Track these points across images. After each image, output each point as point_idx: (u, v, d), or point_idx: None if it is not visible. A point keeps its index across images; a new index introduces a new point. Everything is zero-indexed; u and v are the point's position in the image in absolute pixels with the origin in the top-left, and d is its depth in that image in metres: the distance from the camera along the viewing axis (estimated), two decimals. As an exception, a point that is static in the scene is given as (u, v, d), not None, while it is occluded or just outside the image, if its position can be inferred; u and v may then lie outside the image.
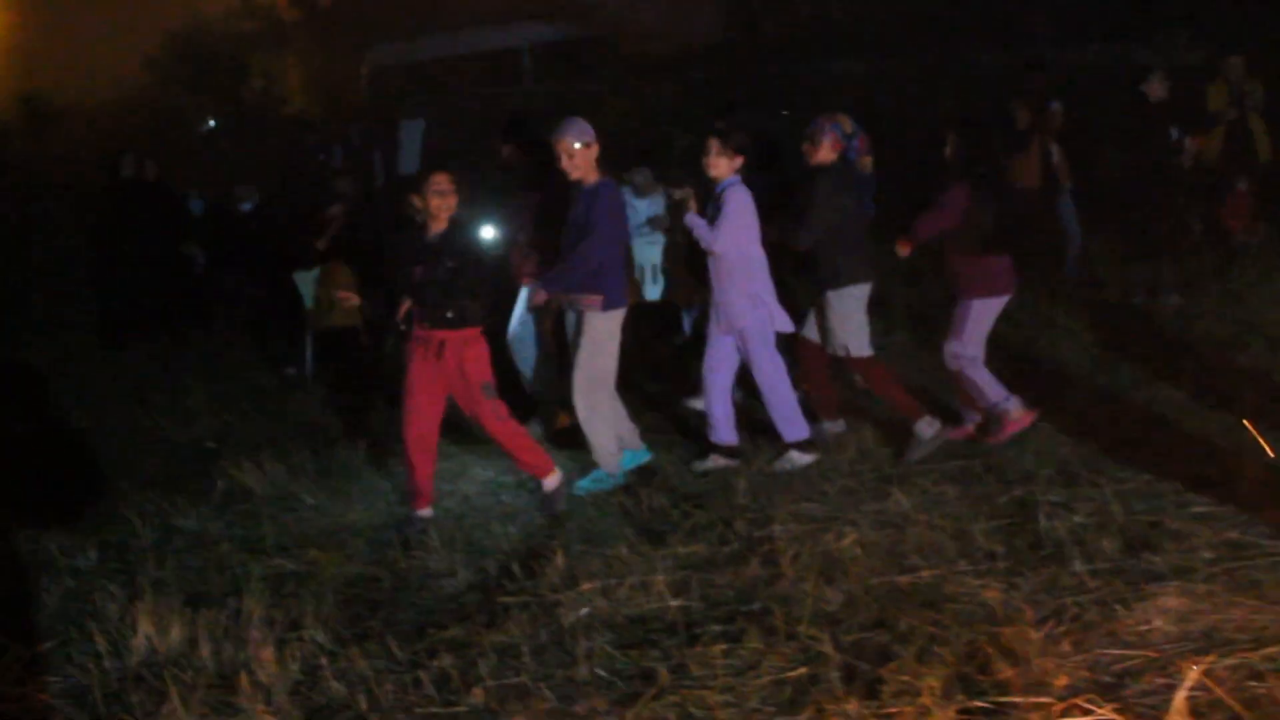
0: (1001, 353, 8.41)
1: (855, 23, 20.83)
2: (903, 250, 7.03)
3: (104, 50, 28.62)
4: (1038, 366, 8.25)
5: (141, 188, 12.60)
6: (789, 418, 6.76)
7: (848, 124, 7.19)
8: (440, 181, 6.23)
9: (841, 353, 6.98)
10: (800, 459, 6.68)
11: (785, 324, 6.83)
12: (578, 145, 6.48)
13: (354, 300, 7.51)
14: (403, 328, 6.37)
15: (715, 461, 6.79)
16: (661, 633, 4.71)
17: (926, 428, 6.76)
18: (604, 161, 6.63)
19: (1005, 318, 9.17)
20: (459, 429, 7.06)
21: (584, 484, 6.62)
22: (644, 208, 9.42)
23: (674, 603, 4.95)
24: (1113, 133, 10.47)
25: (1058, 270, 10.59)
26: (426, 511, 6.22)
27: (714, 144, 6.71)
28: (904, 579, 5.03)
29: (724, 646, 4.49)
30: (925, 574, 5.05)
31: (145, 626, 4.87)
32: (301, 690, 4.44)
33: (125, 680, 4.60)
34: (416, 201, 6.24)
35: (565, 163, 6.51)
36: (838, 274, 6.91)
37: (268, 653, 4.60)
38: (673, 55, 22.24)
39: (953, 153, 6.93)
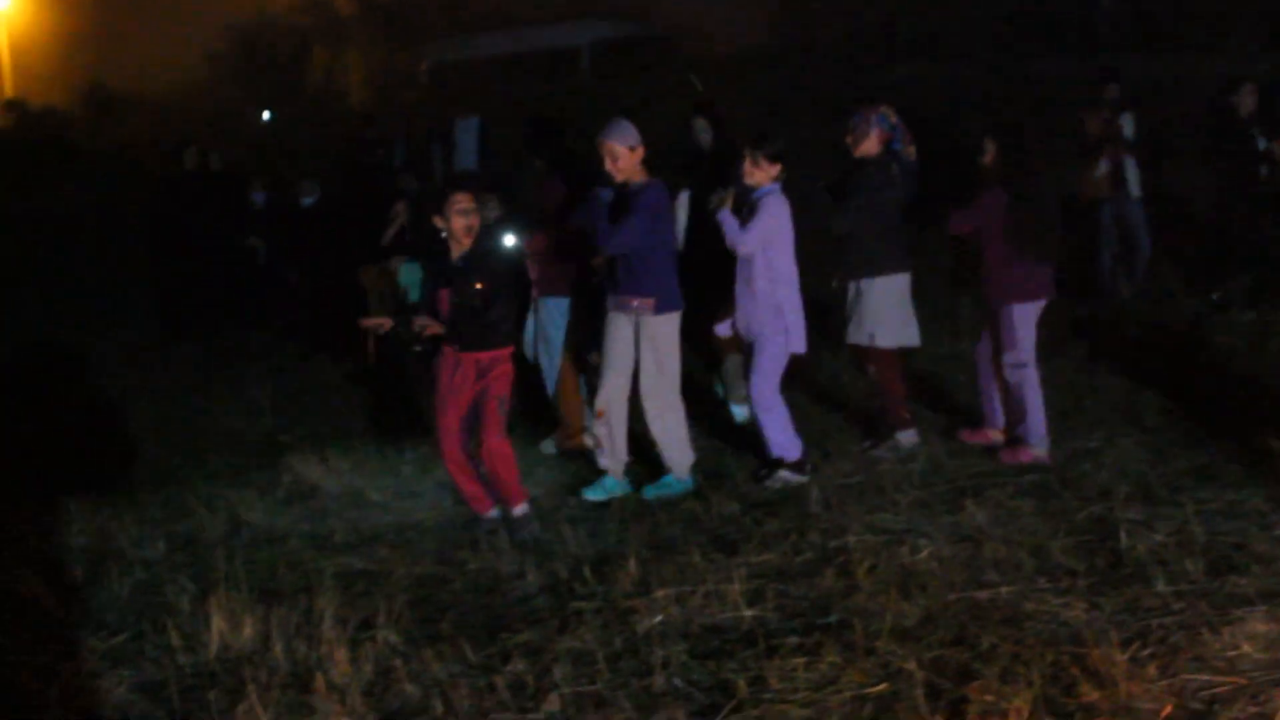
0: (1069, 367, 8.35)
1: (917, 27, 20.72)
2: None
3: (166, 43, 28.87)
4: (1109, 381, 8.12)
5: (205, 180, 12.71)
6: (785, 435, 6.68)
7: (892, 114, 7.13)
8: (461, 201, 6.14)
9: (866, 341, 6.98)
10: (791, 478, 6.57)
11: (800, 345, 6.75)
12: (622, 148, 6.39)
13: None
14: (418, 349, 6.39)
15: (787, 476, 6.65)
16: (737, 643, 4.64)
17: (911, 438, 6.96)
18: (651, 165, 6.56)
19: (1072, 330, 9.15)
20: (522, 434, 7.03)
21: (651, 490, 6.57)
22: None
23: (749, 612, 4.89)
24: (1189, 144, 10.33)
25: (1126, 281, 10.46)
26: (493, 513, 6.21)
27: (748, 153, 6.68)
28: (982, 595, 4.94)
29: (802, 660, 4.42)
30: (1004, 590, 4.96)
31: (218, 622, 4.86)
32: (375, 691, 4.41)
33: (200, 676, 4.59)
34: (439, 222, 6.16)
35: (609, 165, 6.43)
36: (873, 263, 6.92)
37: (341, 653, 4.58)
38: (732, 57, 22.22)
39: (992, 159, 6.88)
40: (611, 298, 6.65)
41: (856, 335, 7.04)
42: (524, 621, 5.00)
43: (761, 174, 6.66)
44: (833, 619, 4.78)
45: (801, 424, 6.90)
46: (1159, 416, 7.31)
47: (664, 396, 6.57)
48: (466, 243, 6.15)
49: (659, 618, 4.86)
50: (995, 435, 7.06)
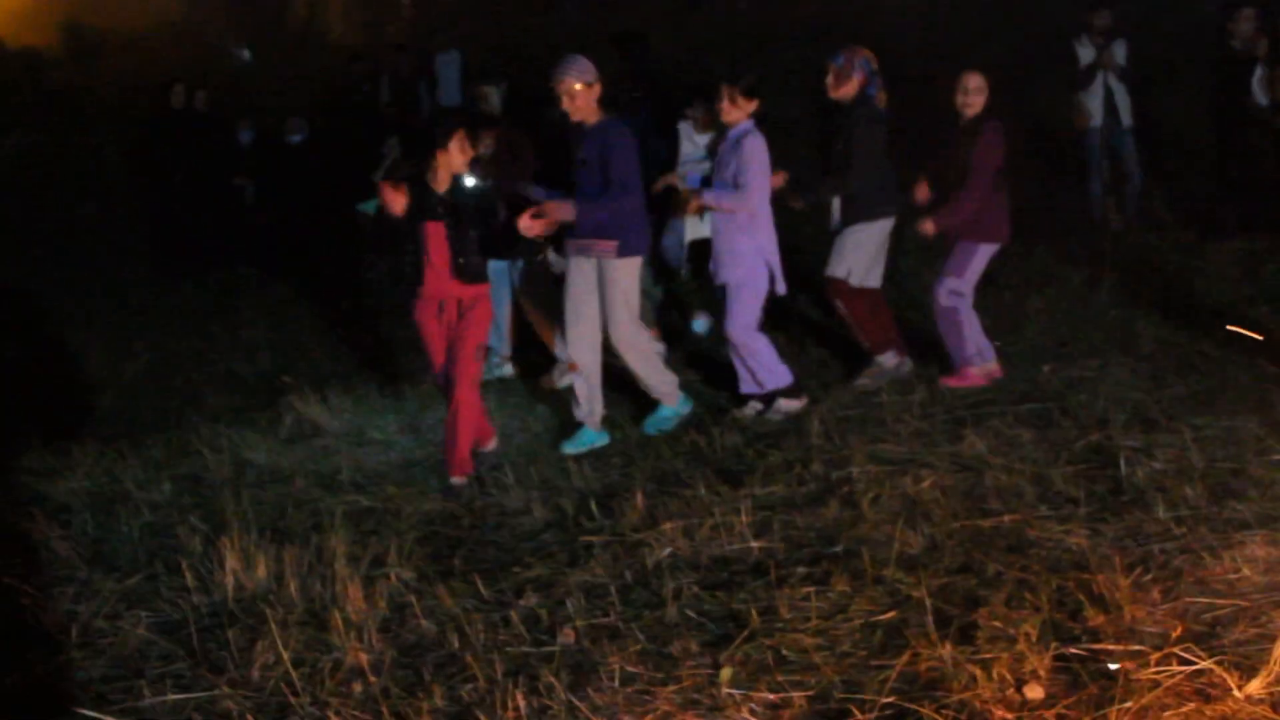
0: (1064, 296, 8.40)
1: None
2: (929, 228, 6.92)
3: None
4: (1102, 310, 8.17)
5: (192, 118, 12.62)
6: (770, 368, 6.67)
7: (873, 59, 7.04)
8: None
9: (843, 275, 6.97)
10: (789, 406, 6.61)
11: (781, 285, 6.72)
12: (578, 85, 6.24)
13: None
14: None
15: (786, 405, 6.68)
16: (746, 574, 4.71)
17: (891, 358, 7.05)
18: (608, 101, 6.47)
19: (1065, 260, 9.18)
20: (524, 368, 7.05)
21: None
22: (702, 142, 9.33)
23: (756, 544, 4.95)
24: (1184, 72, 10.30)
25: (1118, 211, 10.47)
26: (492, 445, 6.31)
27: (725, 90, 6.54)
28: (986, 523, 5.00)
29: (811, 589, 4.48)
30: (1007, 519, 5.02)
31: (231, 562, 4.90)
32: (392, 627, 4.47)
33: (217, 615, 4.64)
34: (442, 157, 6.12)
35: (566, 103, 6.28)
36: (867, 207, 6.93)
37: (355, 590, 4.62)
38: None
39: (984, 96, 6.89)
40: (571, 241, 6.50)
41: (832, 268, 7.04)
42: (534, 556, 5.06)
43: (738, 112, 6.54)
44: (839, 549, 4.85)
45: (792, 362, 6.96)
46: (1154, 344, 7.37)
47: (634, 334, 6.53)
48: (447, 178, 6.12)
49: (668, 550, 4.91)
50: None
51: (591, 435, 6.54)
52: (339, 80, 15.63)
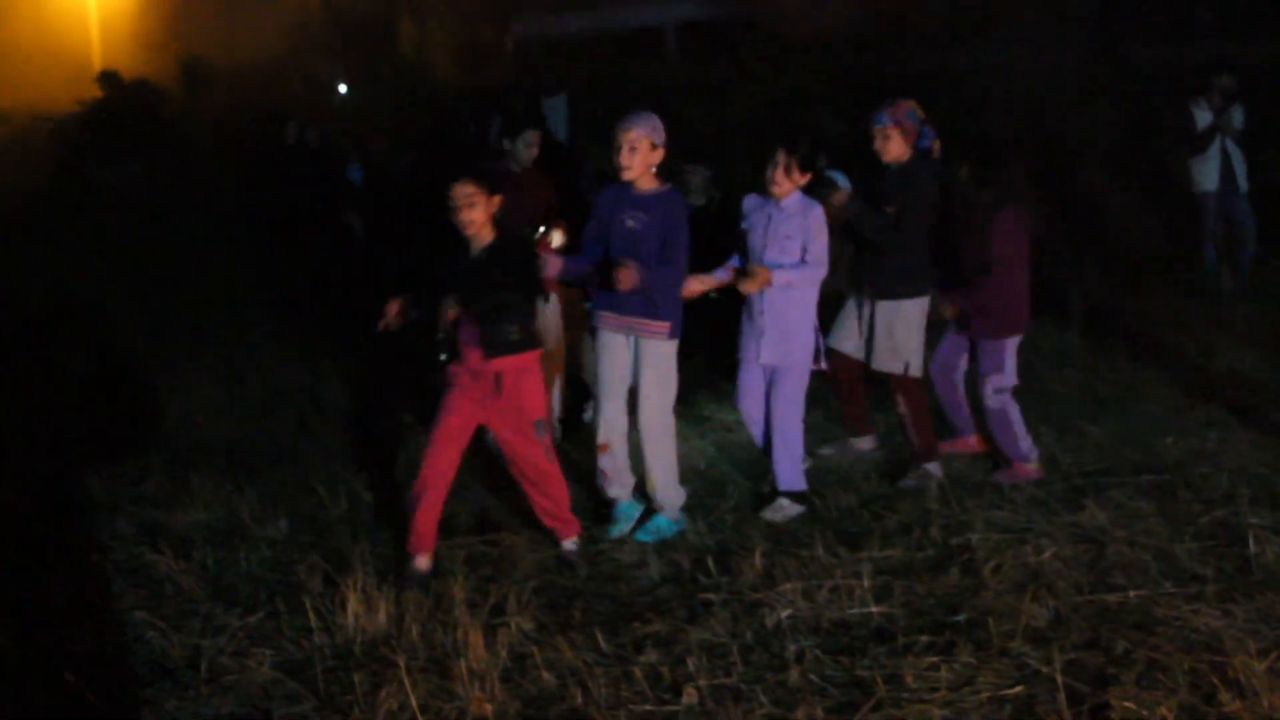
0: (1180, 364, 8.27)
1: (1010, 11, 20.41)
2: (951, 311, 6.56)
3: (250, 14, 29.08)
4: (1220, 378, 8.04)
5: (305, 155, 12.85)
6: (793, 466, 6.26)
7: (918, 108, 6.57)
8: (456, 193, 5.42)
9: (900, 370, 6.51)
10: (793, 509, 6.15)
11: (822, 359, 6.36)
12: (646, 141, 5.79)
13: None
14: (444, 357, 5.57)
15: (783, 505, 6.20)
16: (868, 640, 4.67)
17: (937, 469, 6.55)
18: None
19: (1179, 326, 9.06)
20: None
21: (643, 534, 5.99)
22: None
23: (877, 609, 4.91)
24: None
25: (1232, 277, 10.33)
26: (423, 561, 5.50)
27: (782, 155, 6.12)
28: (1111, 598, 4.93)
29: (936, 659, 4.45)
30: (1133, 594, 4.95)
31: (353, 604, 4.95)
32: (514, 678, 4.48)
33: (341, 658, 4.68)
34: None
35: (625, 157, 5.79)
36: (911, 281, 6.48)
37: (477, 638, 4.65)
38: (817, 39, 22.03)
39: (971, 175, 6.45)
40: (609, 316, 6.00)
41: (889, 363, 6.54)
42: (652, 611, 5.05)
43: (790, 184, 6.14)
44: (962, 618, 4.80)
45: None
46: (1275, 415, 7.21)
47: (664, 425, 6.04)
48: (484, 234, 5.50)
49: (787, 611, 4.89)
50: (975, 441, 6.93)
51: (627, 507, 6.13)
52: (446, 120, 15.88)
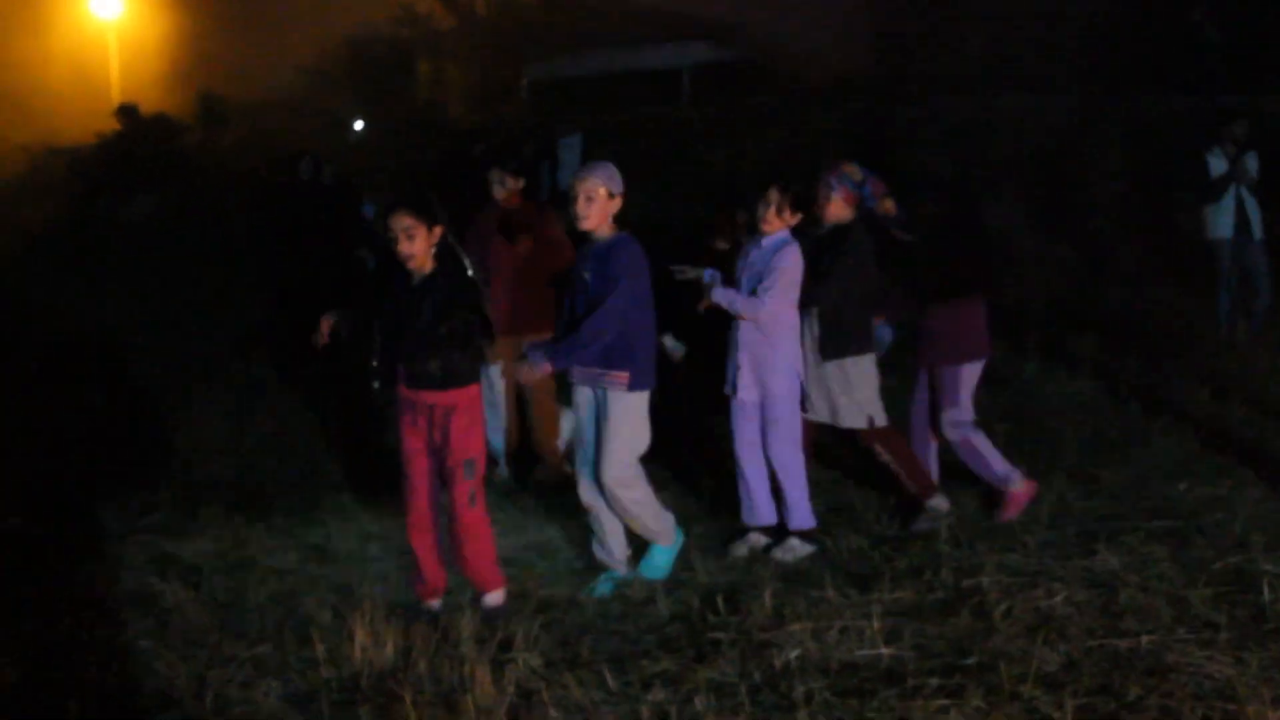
0: (1193, 411, 8.24)
1: (1019, 59, 20.52)
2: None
3: (267, 53, 29.36)
4: (1234, 425, 8.01)
5: (319, 190, 12.89)
6: (799, 503, 6.23)
7: (855, 172, 6.54)
8: (392, 225, 5.33)
9: (864, 425, 6.43)
10: (804, 549, 6.14)
11: (875, 417, 6.40)
12: (603, 190, 5.65)
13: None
14: (376, 385, 5.59)
15: (794, 545, 6.21)
16: (877, 682, 4.63)
17: (943, 503, 6.53)
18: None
19: (1192, 375, 9.04)
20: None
21: (646, 570, 5.94)
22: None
23: (886, 650, 4.88)
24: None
25: (1246, 326, 10.31)
26: (434, 604, 5.58)
27: (775, 194, 6.14)
28: (1123, 644, 4.87)
29: (945, 701, 4.40)
30: (1144, 640, 4.89)
31: (361, 637, 4.93)
32: (520, 715, 4.45)
33: (348, 690, 4.66)
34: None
35: (582, 206, 5.64)
36: (858, 339, 6.46)
37: (483, 674, 4.62)
38: (830, 84, 22.16)
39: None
40: (576, 369, 5.83)
41: (852, 419, 6.46)
42: (661, 649, 5.02)
43: (780, 223, 6.16)
44: (973, 661, 4.75)
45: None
46: (1289, 462, 7.19)
47: (631, 478, 5.80)
48: (424, 264, 5.39)
49: (796, 652, 4.85)
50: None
51: (665, 553, 5.98)
52: (459, 160, 15.96)
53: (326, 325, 5.62)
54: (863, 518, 6.58)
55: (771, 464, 6.27)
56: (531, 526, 6.72)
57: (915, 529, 6.41)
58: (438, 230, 5.39)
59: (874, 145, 15.02)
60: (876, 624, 5.03)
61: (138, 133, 21.00)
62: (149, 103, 23.18)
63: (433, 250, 5.39)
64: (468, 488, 5.41)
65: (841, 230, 6.45)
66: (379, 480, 7.34)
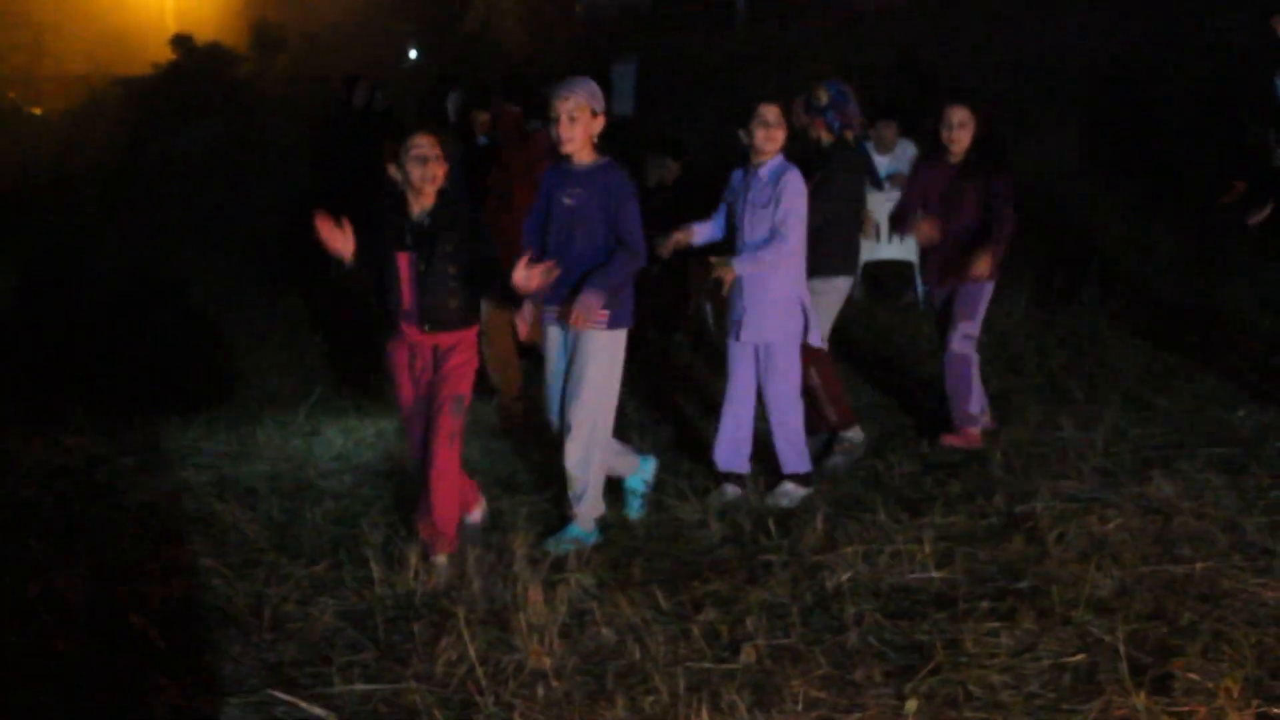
0: (1256, 339, 8.13)
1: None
2: (982, 272, 6.46)
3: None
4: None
5: (370, 117, 12.89)
6: (796, 448, 5.94)
7: (821, 94, 6.41)
8: (421, 145, 5.02)
9: (818, 344, 6.13)
10: (798, 492, 5.88)
11: (817, 336, 6.05)
12: (587, 109, 5.26)
13: None
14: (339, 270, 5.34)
15: (788, 489, 5.94)
16: (928, 605, 4.64)
17: (858, 434, 6.43)
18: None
19: (1255, 302, 8.90)
20: (688, 380, 7.01)
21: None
22: (885, 165, 9.27)
23: (938, 574, 4.88)
24: None
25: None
26: (478, 514, 5.51)
27: (773, 112, 5.74)
28: (1177, 569, 4.85)
29: (996, 625, 4.40)
30: (1199, 566, 4.86)
31: (414, 558, 4.99)
32: (572, 633, 4.49)
33: (402, 608, 4.73)
34: (394, 173, 5.10)
35: (563, 128, 5.24)
36: (837, 262, 6.39)
37: (536, 593, 4.67)
38: (886, 9, 21.77)
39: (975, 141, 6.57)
40: (549, 307, 5.48)
41: (812, 337, 6.10)
42: (712, 571, 5.04)
43: (775, 147, 5.78)
44: (1025, 585, 4.74)
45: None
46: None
47: (600, 426, 5.46)
48: (430, 196, 5.11)
49: (848, 574, 4.86)
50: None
51: (580, 533, 5.49)
52: (513, 85, 15.89)
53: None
54: (917, 442, 6.55)
55: (769, 406, 5.96)
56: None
57: (830, 463, 6.27)
58: (444, 168, 5.10)
59: (929, 72, 14.82)
60: (928, 548, 5.03)
61: (193, 62, 21.07)
62: (204, 32, 23.25)
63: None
64: (452, 425, 5.12)
65: (826, 152, 6.41)
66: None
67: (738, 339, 5.94)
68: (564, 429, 5.44)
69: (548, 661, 4.23)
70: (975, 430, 6.55)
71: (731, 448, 6.01)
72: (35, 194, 15.56)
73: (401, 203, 5.13)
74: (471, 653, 4.22)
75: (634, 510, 5.76)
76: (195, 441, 6.86)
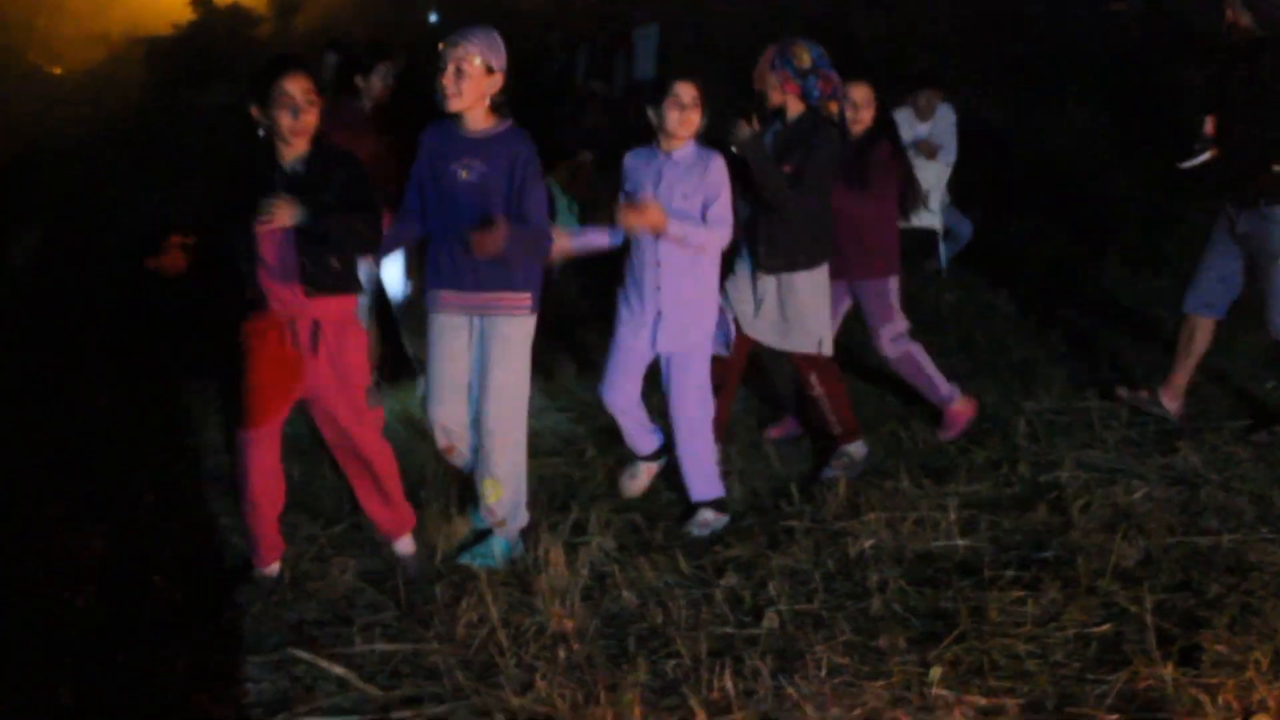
0: None
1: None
2: None
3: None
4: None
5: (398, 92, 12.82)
6: (707, 472, 5.30)
7: (804, 55, 5.46)
8: (295, 88, 4.32)
9: (814, 349, 5.65)
10: (717, 520, 5.23)
11: (725, 344, 5.56)
12: (479, 63, 4.56)
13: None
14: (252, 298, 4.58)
15: (707, 519, 5.28)
16: (952, 572, 4.61)
17: (861, 449, 5.91)
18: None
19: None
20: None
21: (467, 556, 4.89)
22: (923, 131, 9.16)
23: (962, 542, 4.85)
24: None
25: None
26: (273, 569, 4.67)
27: (690, 91, 5.04)
28: (1203, 541, 4.81)
29: (1021, 593, 4.37)
30: (1226, 538, 4.81)
31: (434, 518, 4.98)
32: (594, 596, 4.48)
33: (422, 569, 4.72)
34: (257, 115, 4.38)
35: (450, 80, 4.55)
36: (815, 250, 5.62)
37: (558, 555, 4.65)
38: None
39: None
40: (450, 295, 4.80)
41: (801, 342, 5.66)
42: (734, 537, 5.03)
43: (691, 129, 5.09)
44: (1049, 554, 4.71)
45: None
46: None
47: (516, 423, 4.89)
48: (303, 144, 4.42)
49: (870, 541, 4.83)
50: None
51: (504, 545, 4.91)
52: (533, 49, 15.79)
53: (176, 241, 4.66)
54: (937, 411, 6.50)
55: (677, 426, 5.29)
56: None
57: (826, 475, 5.72)
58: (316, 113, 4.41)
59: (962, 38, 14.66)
60: (952, 515, 4.99)
61: (213, 22, 20.99)
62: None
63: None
64: (376, 418, 4.69)
65: (805, 126, 5.49)
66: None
67: (652, 346, 5.25)
68: (481, 432, 4.82)
69: (569, 624, 4.22)
70: (958, 408, 6.19)
71: (703, 470, 5.36)
72: (57, 155, 15.53)
73: (269, 150, 4.44)
74: (493, 614, 4.21)
75: (476, 559, 4.86)
76: (214, 400, 6.84)
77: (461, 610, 4.30)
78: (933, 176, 8.98)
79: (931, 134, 9.11)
